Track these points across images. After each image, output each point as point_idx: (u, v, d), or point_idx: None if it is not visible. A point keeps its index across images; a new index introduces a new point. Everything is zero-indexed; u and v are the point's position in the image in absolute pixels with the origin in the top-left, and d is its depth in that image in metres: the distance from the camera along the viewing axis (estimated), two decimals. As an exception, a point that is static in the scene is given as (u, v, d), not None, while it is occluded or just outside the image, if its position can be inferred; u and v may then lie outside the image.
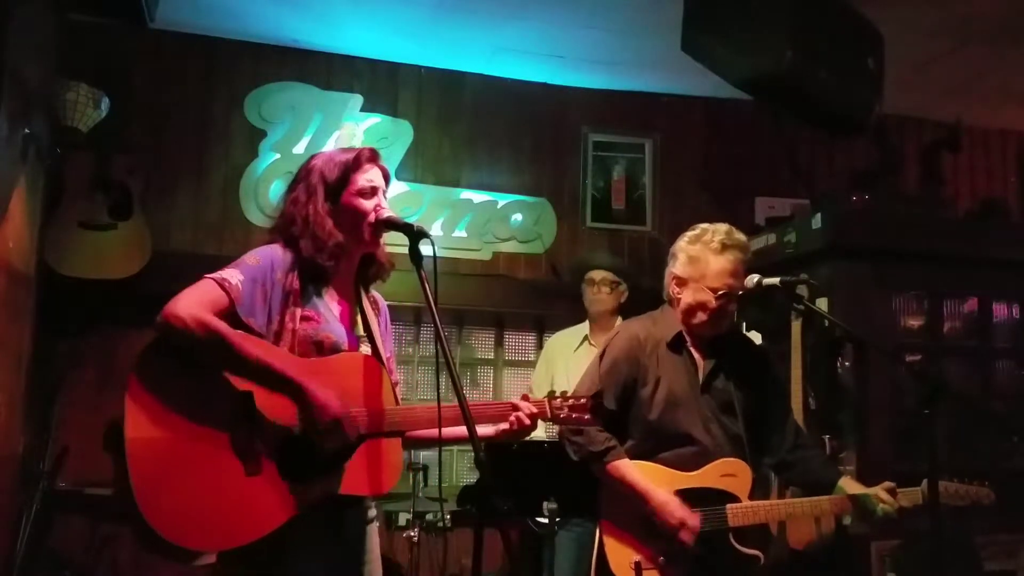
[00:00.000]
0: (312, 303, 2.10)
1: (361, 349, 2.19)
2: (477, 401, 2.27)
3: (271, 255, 2.09)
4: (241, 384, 1.96)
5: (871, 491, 2.66)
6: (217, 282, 1.98)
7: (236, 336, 1.94)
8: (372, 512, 2.23)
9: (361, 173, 2.17)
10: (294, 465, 1.97)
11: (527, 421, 2.18)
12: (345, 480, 2.03)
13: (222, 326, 1.93)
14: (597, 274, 4.32)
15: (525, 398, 2.23)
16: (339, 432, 1.98)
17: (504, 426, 2.19)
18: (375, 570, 2.21)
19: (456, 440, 2.18)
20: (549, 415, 2.25)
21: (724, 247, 2.67)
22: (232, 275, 2.00)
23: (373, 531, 2.23)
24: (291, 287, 2.07)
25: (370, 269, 2.28)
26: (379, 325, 2.29)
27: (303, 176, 2.19)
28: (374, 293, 2.34)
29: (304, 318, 2.07)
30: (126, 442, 1.86)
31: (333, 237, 2.11)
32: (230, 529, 1.90)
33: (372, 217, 2.15)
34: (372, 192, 2.17)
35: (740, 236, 2.72)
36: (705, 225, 2.75)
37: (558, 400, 2.28)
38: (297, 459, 1.97)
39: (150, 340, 1.94)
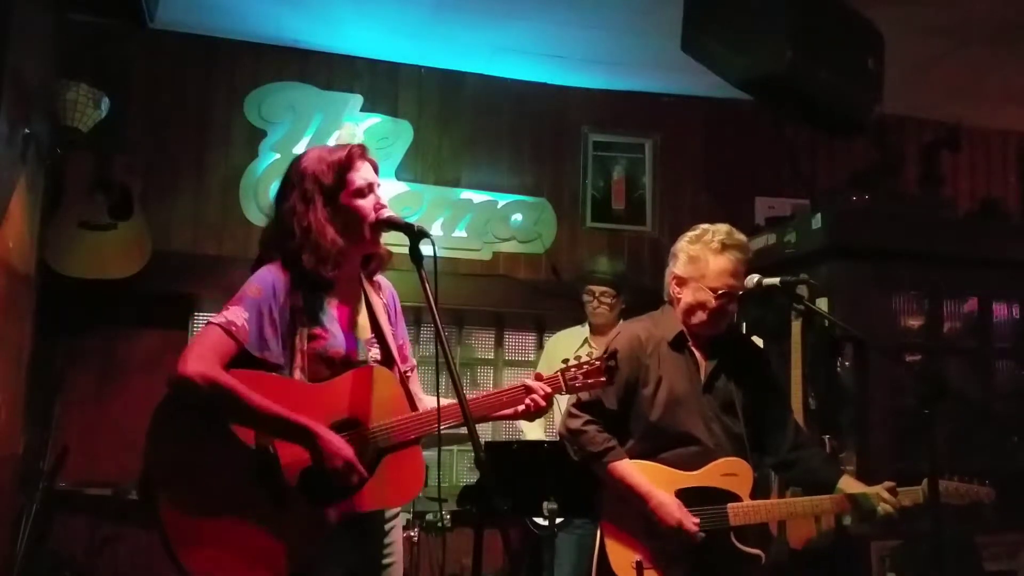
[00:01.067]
0: (316, 318, 2.10)
1: (371, 353, 2.18)
2: (490, 390, 2.26)
3: (271, 281, 2.07)
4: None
5: (871, 490, 2.66)
6: (223, 328, 1.98)
7: (243, 389, 1.95)
8: (393, 510, 2.24)
9: (355, 172, 2.15)
10: (319, 490, 2.00)
11: (543, 403, 2.18)
12: (370, 496, 2.05)
13: (230, 382, 1.94)
14: (597, 288, 4.33)
15: (538, 377, 2.22)
16: (348, 476, 1.99)
17: (520, 408, 2.19)
18: (396, 567, 2.22)
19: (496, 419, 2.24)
20: (564, 388, 2.24)
21: (724, 247, 2.68)
22: (237, 315, 2.00)
23: (396, 529, 2.24)
24: (295, 307, 2.07)
25: (370, 265, 2.27)
26: (390, 311, 2.29)
27: (296, 182, 2.14)
28: (378, 277, 2.32)
29: (311, 336, 2.07)
30: (158, 502, 1.91)
31: (335, 245, 2.09)
32: (271, 565, 1.95)
33: (372, 217, 2.14)
34: (369, 189, 2.16)
35: (740, 236, 2.73)
36: (706, 225, 2.76)
37: (572, 370, 2.25)
38: (321, 485, 2.00)
39: (162, 398, 1.98)
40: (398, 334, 2.29)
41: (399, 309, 2.35)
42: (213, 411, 1.97)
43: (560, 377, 2.24)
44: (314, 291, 2.12)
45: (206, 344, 1.97)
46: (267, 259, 2.13)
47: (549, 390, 2.20)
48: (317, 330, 2.08)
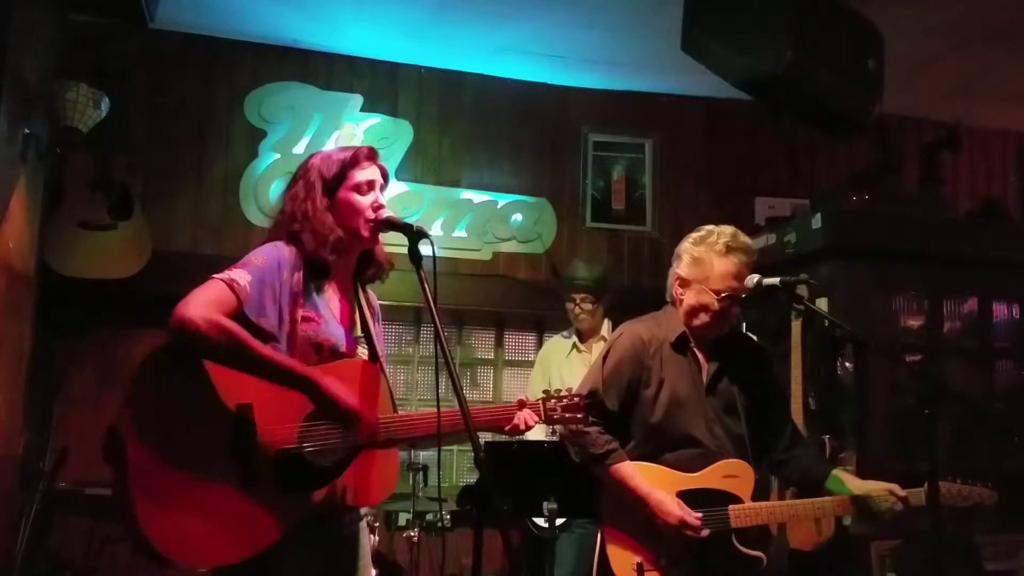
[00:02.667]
0: (312, 302, 2.10)
1: (359, 351, 2.19)
2: (493, 405, 2.28)
3: (277, 254, 2.08)
4: (243, 393, 1.95)
5: (873, 490, 2.64)
6: (226, 283, 1.97)
7: (248, 336, 1.94)
8: (363, 510, 2.24)
9: (358, 170, 2.17)
10: (291, 479, 1.98)
11: (521, 428, 2.20)
12: (345, 491, 2.04)
13: (234, 326, 1.93)
14: (577, 295, 4.32)
15: (521, 403, 2.23)
16: (356, 423, 1.99)
17: (508, 427, 2.20)
18: (367, 570, 2.22)
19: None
20: (543, 417, 2.26)
21: (729, 249, 2.66)
22: (240, 275, 2.00)
23: (363, 530, 2.24)
24: (297, 286, 2.07)
25: (368, 269, 2.28)
26: (372, 322, 2.30)
27: (302, 174, 2.20)
28: (368, 292, 2.34)
29: (304, 319, 2.07)
30: (127, 461, 1.86)
31: (333, 231, 2.11)
32: (228, 546, 1.92)
33: (369, 213, 2.15)
34: (369, 188, 2.17)
35: (745, 239, 2.71)
36: (710, 227, 2.74)
37: (551, 401, 2.29)
38: (294, 473, 1.98)
39: (146, 355, 1.94)
40: (379, 346, 2.30)
41: (380, 320, 2.36)
42: (213, 355, 1.93)
43: (540, 405, 2.27)
44: (315, 278, 2.13)
45: (208, 294, 1.96)
46: (275, 239, 2.15)
47: (534, 423, 2.22)
48: (311, 313, 2.08)
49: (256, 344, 1.94)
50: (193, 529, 1.89)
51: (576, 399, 2.30)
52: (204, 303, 1.93)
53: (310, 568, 2.04)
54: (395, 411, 2.17)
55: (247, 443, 1.94)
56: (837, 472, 2.73)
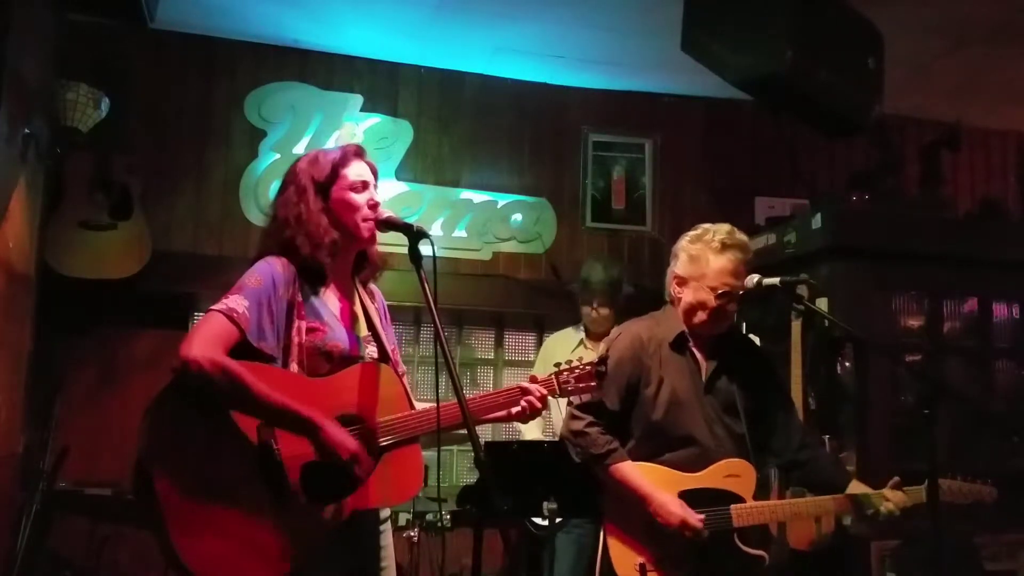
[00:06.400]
0: (315, 312, 2.10)
1: (368, 351, 2.19)
2: (486, 391, 2.28)
3: (271, 272, 2.07)
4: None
5: (878, 491, 2.64)
6: (225, 314, 1.98)
7: (250, 377, 1.94)
8: (385, 512, 2.25)
9: (350, 168, 2.18)
10: (321, 489, 1.99)
11: (538, 404, 2.20)
12: (372, 494, 2.05)
13: (237, 369, 1.93)
14: (594, 298, 4.31)
15: (533, 379, 2.24)
16: (354, 469, 2.00)
17: (516, 410, 2.21)
18: (391, 570, 2.22)
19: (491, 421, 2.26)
20: (558, 391, 2.26)
21: (724, 246, 2.68)
22: (238, 303, 2.00)
23: (387, 531, 2.25)
24: (294, 300, 2.08)
25: (363, 269, 2.28)
26: (381, 316, 2.30)
27: (291, 179, 2.19)
28: (370, 285, 2.34)
29: (310, 329, 2.07)
30: (158, 499, 1.87)
31: (328, 234, 2.11)
32: (270, 565, 1.93)
33: (366, 211, 2.15)
34: (363, 187, 2.17)
35: (741, 236, 2.73)
36: (707, 225, 2.76)
37: (564, 373, 2.28)
38: (322, 482, 1.99)
39: (164, 387, 1.96)
40: (390, 338, 2.30)
41: (388, 319, 2.37)
42: (218, 396, 1.94)
43: (554, 380, 2.26)
44: (313, 284, 2.13)
45: (210, 330, 1.96)
46: (266, 252, 2.14)
47: (545, 392, 2.22)
48: (315, 323, 2.09)
49: (259, 388, 1.94)
50: (235, 556, 1.91)
51: (588, 367, 2.29)
52: (207, 341, 1.93)
53: (337, 572, 2.06)
54: (412, 407, 2.16)
55: (273, 463, 1.95)
56: (853, 486, 2.71)
